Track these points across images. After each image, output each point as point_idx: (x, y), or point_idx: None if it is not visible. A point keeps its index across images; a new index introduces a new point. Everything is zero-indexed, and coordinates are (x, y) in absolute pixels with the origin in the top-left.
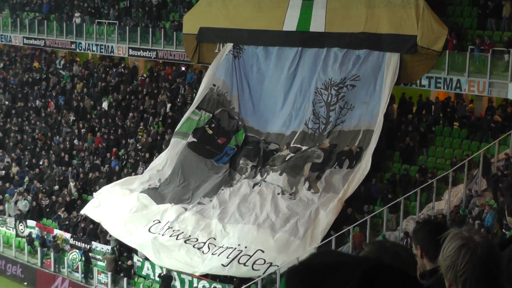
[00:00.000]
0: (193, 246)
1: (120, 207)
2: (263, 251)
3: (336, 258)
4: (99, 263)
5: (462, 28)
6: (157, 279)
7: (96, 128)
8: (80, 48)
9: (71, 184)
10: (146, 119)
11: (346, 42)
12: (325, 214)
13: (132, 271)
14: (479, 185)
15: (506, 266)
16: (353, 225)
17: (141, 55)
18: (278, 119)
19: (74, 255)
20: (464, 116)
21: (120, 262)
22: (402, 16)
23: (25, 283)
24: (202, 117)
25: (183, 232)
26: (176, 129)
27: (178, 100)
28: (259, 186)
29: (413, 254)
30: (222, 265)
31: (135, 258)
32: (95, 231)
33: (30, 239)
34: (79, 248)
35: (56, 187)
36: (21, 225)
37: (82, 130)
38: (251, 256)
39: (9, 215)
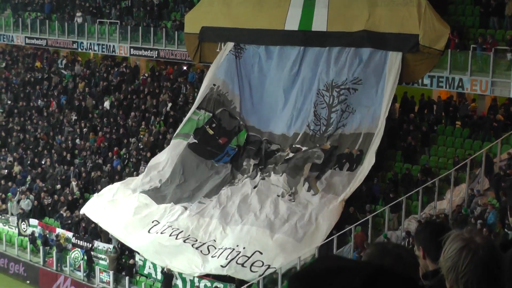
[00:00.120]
0: (192, 246)
1: (120, 208)
2: (261, 253)
3: (338, 263)
4: (101, 262)
5: (464, 27)
6: (159, 276)
7: (98, 128)
8: (81, 48)
9: (73, 183)
10: (148, 119)
11: (348, 41)
12: (325, 217)
13: (134, 270)
14: (481, 185)
15: (508, 267)
16: (355, 224)
17: (143, 54)
18: (279, 119)
19: (76, 254)
20: (466, 115)
21: (124, 260)
22: (404, 15)
23: (28, 282)
24: (202, 117)
25: (182, 231)
26: (178, 130)
27: (180, 99)
28: (259, 185)
29: (415, 255)
30: (221, 266)
31: (137, 257)
32: (97, 230)
33: (32, 238)
34: (81, 247)
35: (58, 186)
36: (23, 224)
37: (84, 130)
38: (249, 258)
39: (12, 214)
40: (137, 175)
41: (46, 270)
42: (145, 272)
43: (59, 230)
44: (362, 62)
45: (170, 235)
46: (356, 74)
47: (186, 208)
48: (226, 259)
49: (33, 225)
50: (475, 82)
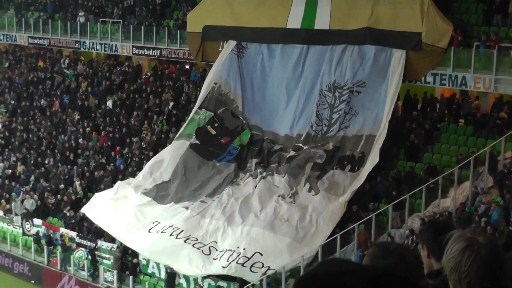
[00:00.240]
0: (193, 246)
1: (121, 208)
2: (261, 254)
3: (342, 267)
4: (105, 261)
5: (467, 25)
6: (163, 276)
7: (101, 127)
8: (84, 47)
9: (77, 182)
10: (151, 118)
11: (351, 39)
12: (326, 218)
13: (138, 269)
14: (485, 182)
15: (511, 267)
16: (358, 223)
17: (145, 53)
18: (282, 119)
19: (80, 254)
20: (470, 113)
21: (130, 259)
22: (407, 13)
23: (32, 281)
24: (203, 116)
25: (182, 231)
26: (180, 131)
27: (182, 98)
28: (261, 185)
29: (417, 255)
30: (222, 267)
31: (140, 256)
32: (100, 230)
33: (37, 238)
34: (85, 246)
35: (62, 186)
36: (27, 224)
37: (87, 129)
38: (249, 258)
39: (16, 214)
40: None
41: (50, 269)
42: (149, 271)
43: (63, 230)
44: (365, 63)
45: (170, 235)
46: (359, 76)
47: (187, 208)
48: (227, 261)
49: (37, 225)
50: (479, 79)
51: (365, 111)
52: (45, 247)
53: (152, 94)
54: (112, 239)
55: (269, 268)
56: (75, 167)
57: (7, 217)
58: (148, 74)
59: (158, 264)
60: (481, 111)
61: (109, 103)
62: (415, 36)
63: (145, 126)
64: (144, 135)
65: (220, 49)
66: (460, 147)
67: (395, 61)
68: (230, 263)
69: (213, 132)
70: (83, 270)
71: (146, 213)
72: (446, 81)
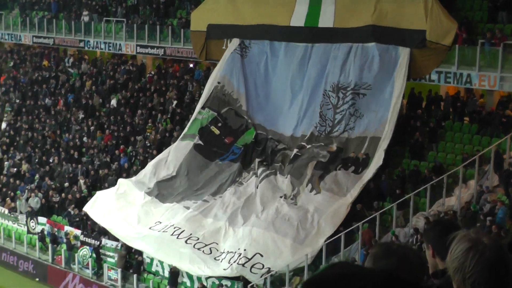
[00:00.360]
0: (194, 246)
1: (123, 207)
2: (262, 255)
3: (350, 270)
4: (109, 259)
5: (472, 22)
6: (167, 274)
7: (105, 126)
8: (88, 46)
9: (81, 181)
10: (155, 116)
11: (355, 37)
12: (328, 219)
13: (142, 267)
14: (490, 181)
15: None
16: (362, 221)
17: (149, 52)
18: (286, 118)
19: (84, 252)
20: (475, 111)
21: (136, 256)
22: (411, 10)
23: (37, 279)
24: (206, 115)
25: (184, 231)
26: (185, 131)
27: (186, 97)
28: (263, 184)
29: (421, 255)
30: (224, 269)
31: (144, 254)
32: (104, 228)
33: (42, 236)
34: (89, 244)
35: (66, 184)
36: (32, 222)
37: (91, 128)
38: (249, 259)
39: (21, 212)
40: None
41: (55, 267)
42: (153, 269)
43: (67, 228)
44: (371, 65)
45: (171, 234)
46: (365, 79)
47: (188, 208)
48: (228, 263)
49: (42, 223)
50: (484, 77)
51: (370, 113)
52: (49, 245)
53: (156, 93)
54: (116, 237)
55: (269, 269)
56: (79, 166)
57: (12, 215)
58: (152, 72)
59: (162, 263)
60: (486, 109)
61: (113, 102)
62: (419, 34)
63: (149, 124)
64: (148, 134)
65: (224, 47)
66: (465, 145)
67: (401, 62)
68: (231, 264)
69: (217, 132)
70: (88, 268)
71: (149, 213)
72: (451, 79)
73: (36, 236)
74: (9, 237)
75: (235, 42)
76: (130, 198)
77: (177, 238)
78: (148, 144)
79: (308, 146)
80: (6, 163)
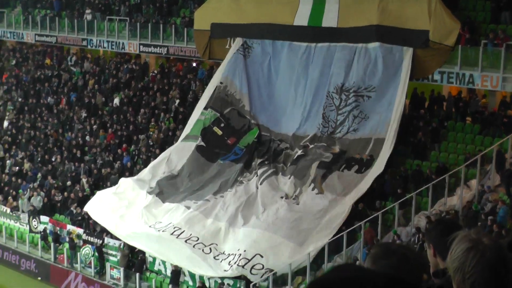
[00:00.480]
0: (193, 247)
1: (123, 206)
2: (262, 256)
3: (353, 273)
4: (112, 258)
5: (475, 22)
6: (169, 274)
7: (108, 125)
8: (91, 45)
9: (84, 180)
10: (158, 115)
11: (358, 36)
12: (329, 221)
13: (144, 266)
14: (492, 181)
15: None
16: (364, 221)
17: (152, 51)
18: (290, 118)
19: (87, 251)
20: (477, 111)
21: (140, 256)
22: (414, 10)
23: (39, 278)
24: (208, 116)
25: (184, 231)
26: (187, 132)
27: (189, 96)
28: (261, 185)
29: (420, 255)
30: (225, 270)
31: (147, 253)
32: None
33: (44, 235)
34: (91, 243)
35: (69, 183)
36: (34, 221)
37: (94, 127)
38: (249, 260)
39: (23, 211)
40: None
41: (57, 266)
42: (155, 268)
43: (69, 227)
44: (375, 67)
45: (171, 234)
46: (370, 81)
47: (189, 207)
48: (229, 264)
49: (44, 222)
50: (486, 78)
51: (375, 115)
52: (52, 244)
53: (159, 92)
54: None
55: (269, 270)
56: (82, 165)
57: (14, 214)
58: (155, 71)
59: (164, 262)
60: (488, 109)
61: (116, 101)
62: (423, 34)
63: (152, 123)
64: (151, 133)
65: (227, 46)
66: (467, 145)
67: (405, 64)
68: (231, 266)
69: (220, 132)
70: (90, 267)
71: (150, 212)
72: (454, 79)
73: (38, 235)
74: (11, 236)
75: (238, 42)
76: (131, 197)
77: (177, 237)
78: (151, 143)
79: (311, 146)
80: (8, 161)
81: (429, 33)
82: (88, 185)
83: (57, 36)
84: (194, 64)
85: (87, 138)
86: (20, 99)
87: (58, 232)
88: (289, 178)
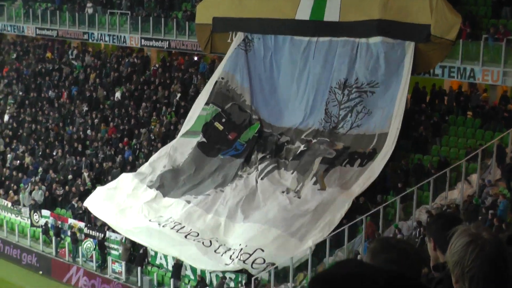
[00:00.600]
0: (193, 240)
1: (123, 201)
2: (263, 250)
3: (357, 269)
4: (113, 252)
5: (476, 17)
6: (171, 268)
7: (109, 118)
8: (92, 39)
9: (85, 174)
10: (159, 109)
11: (360, 31)
12: (329, 216)
13: (146, 260)
14: (492, 175)
15: None
16: (366, 214)
17: (154, 45)
18: (292, 113)
19: (88, 244)
20: (478, 106)
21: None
22: (416, 5)
23: (40, 272)
24: (210, 111)
25: (184, 226)
26: (187, 128)
27: (191, 90)
28: (262, 180)
29: (419, 250)
30: (226, 264)
31: (148, 247)
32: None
33: (45, 229)
34: (93, 237)
35: (70, 177)
36: (35, 215)
37: (95, 120)
38: (251, 255)
39: (24, 205)
40: None
41: (59, 260)
42: (157, 262)
43: (71, 221)
44: (378, 63)
45: (171, 228)
46: (373, 77)
47: (189, 202)
48: (230, 258)
49: (45, 216)
50: (487, 72)
51: (378, 110)
52: (53, 238)
53: (161, 86)
54: None
55: (270, 264)
56: (83, 159)
57: (15, 209)
58: (157, 65)
59: (166, 256)
60: (489, 103)
61: (118, 95)
62: (424, 28)
63: (154, 117)
64: (152, 127)
65: (229, 40)
66: (468, 139)
67: (407, 59)
68: (233, 260)
69: (221, 127)
70: (91, 261)
71: (150, 207)
72: (455, 74)
73: (40, 229)
74: (12, 230)
75: (240, 37)
76: (131, 191)
77: (177, 232)
78: (153, 137)
79: (314, 141)
80: (9, 155)
81: (430, 28)
82: (90, 179)
83: (58, 30)
84: (196, 58)
85: (88, 132)
86: (21, 93)
87: (60, 226)
88: (292, 173)
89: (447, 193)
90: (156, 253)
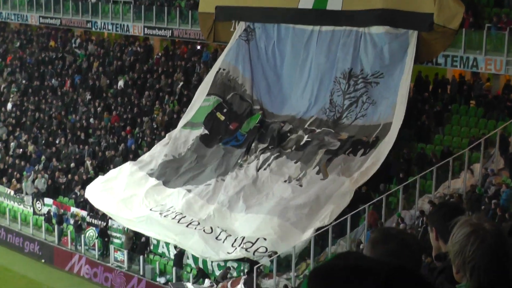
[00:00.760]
0: (195, 229)
1: (124, 190)
2: (265, 239)
3: (358, 262)
4: (116, 240)
5: (479, 6)
6: (173, 257)
7: (112, 107)
8: (95, 27)
9: (88, 162)
10: (162, 98)
11: (363, 20)
12: (332, 205)
13: (148, 249)
14: (496, 164)
15: None
16: (368, 204)
17: (157, 34)
18: (295, 104)
19: (90, 233)
20: (481, 95)
21: (142, 238)
22: None
23: (43, 261)
24: (212, 102)
25: (185, 216)
26: (188, 119)
27: (194, 79)
28: (264, 170)
29: (419, 240)
30: (228, 253)
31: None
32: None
33: (48, 217)
34: (95, 225)
35: (73, 165)
36: (38, 203)
37: (98, 109)
38: (253, 243)
39: (26, 193)
40: None
41: (61, 249)
42: (159, 251)
43: (73, 209)
44: (381, 53)
45: (173, 219)
46: (377, 67)
47: (190, 191)
48: (232, 246)
49: (48, 204)
50: (490, 61)
51: (383, 100)
52: (55, 226)
53: (164, 74)
54: None
55: (273, 253)
56: (86, 147)
57: (18, 197)
58: (160, 54)
59: (168, 245)
60: (492, 92)
61: (121, 83)
62: (427, 17)
63: (157, 106)
64: (155, 115)
65: (232, 29)
66: (471, 128)
67: (410, 48)
68: (235, 248)
69: (222, 118)
70: (94, 249)
71: (151, 195)
72: (458, 63)
73: (42, 217)
74: (15, 218)
75: (241, 27)
76: (131, 179)
77: (178, 222)
78: (155, 126)
79: (317, 130)
80: (12, 144)
81: (433, 16)
82: (92, 168)
83: (61, 18)
84: (199, 47)
85: (91, 120)
86: (24, 81)
87: (62, 214)
88: (296, 163)
89: (450, 182)
90: (158, 241)
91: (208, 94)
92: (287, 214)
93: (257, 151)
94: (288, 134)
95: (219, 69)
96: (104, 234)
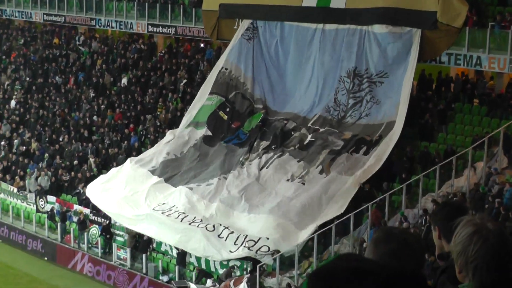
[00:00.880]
0: (197, 226)
1: (125, 189)
2: (268, 238)
3: (357, 264)
4: (119, 238)
5: (482, 4)
6: (175, 255)
7: (116, 104)
8: (99, 25)
9: (91, 160)
10: (165, 95)
11: (366, 18)
12: (334, 202)
13: (151, 247)
14: (499, 163)
15: None
16: (371, 202)
17: (160, 31)
18: (298, 101)
19: (93, 231)
20: (484, 93)
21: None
22: None
23: (45, 258)
24: (215, 101)
25: (187, 216)
26: (190, 118)
27: (197, 76)
28: (267, 168)
29: (421, 240)
30: (230, 251)
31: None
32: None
33: (51, 215)
34: (98, 223)
35: (76, 163)
36: (41, 201)
37: (102, 106)
38: (256, 242)
39: (30, 191)
40: None
41: (64, 246)
42: (162, 249)
43: (76, 207)
44: (386, 52)
45: (176, 218)
46: (381, 67)
47: (191, 189)
48: (234, 244)
49: (51, 202)
50: (493, 60)
51: (386, 100)
52: (58, 224)
53: (167, 72)
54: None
55: (275, 252)
56: (89, 145)
57: (21, 194)
58: (163, 51)
59: None
60: (495, 91)
61: (124, 81)
62: (431, 15)
63: (160, 103)
64: (158, 113)
65: (235, 27)
66: (474, 127)
67: (414, 47)
68: (238, 247)
69: (225, 117)
70: (97, 247)
71: (153, 194)
72: (461, 61)
73: (45, 215)
74: (18, 216)
75: (244, 25)
76: (133, 177)
77: (181, 221)
78: (159, 123)
79: (321, 130)
80: (15, 141)
81: (437, 14)
82: (96, 165)
83: (65, 16)
84: (202, 45)
85: (95, 118)
86: (28, 79)
87: (66, 212)
88: (299, 161)
89: (453, 181)
90: None
91: (211, 93)
92: (290, 214)
93: (259, 150)
94: (292, 132)
95: (222, 68)
96: (107, 232)
